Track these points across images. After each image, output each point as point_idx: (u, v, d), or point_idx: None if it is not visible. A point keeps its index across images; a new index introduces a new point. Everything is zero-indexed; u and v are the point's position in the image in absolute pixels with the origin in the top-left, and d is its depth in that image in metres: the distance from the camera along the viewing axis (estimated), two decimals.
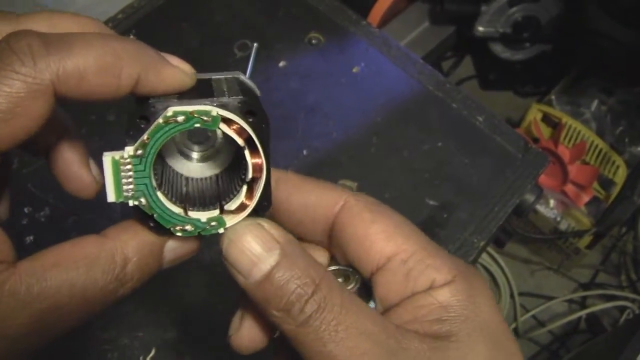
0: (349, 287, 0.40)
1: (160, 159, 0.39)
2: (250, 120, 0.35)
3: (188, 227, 0.36)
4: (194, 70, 0.38)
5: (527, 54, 1.71)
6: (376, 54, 0.96)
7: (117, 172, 0.35)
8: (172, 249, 0.38)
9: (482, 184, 0.85)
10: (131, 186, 0.36)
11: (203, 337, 0.76)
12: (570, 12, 1.62)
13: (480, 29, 1.65)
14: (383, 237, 0.39)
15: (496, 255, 1.59)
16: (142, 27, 0.98)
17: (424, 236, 0.39)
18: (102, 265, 0.34)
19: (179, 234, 0.36)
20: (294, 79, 0.95)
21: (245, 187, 0.36)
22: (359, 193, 0.41)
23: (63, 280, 0.33)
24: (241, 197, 0.37)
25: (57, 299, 0.33)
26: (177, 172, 0.40)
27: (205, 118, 0.34)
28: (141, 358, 0.74)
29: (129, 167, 0.35)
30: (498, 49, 1.71)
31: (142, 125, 0.35)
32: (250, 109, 0.35)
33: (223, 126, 0.35)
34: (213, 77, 0.38)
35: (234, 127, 0.35)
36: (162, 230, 0.37)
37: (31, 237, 0.79)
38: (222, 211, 0.37)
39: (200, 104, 0.35)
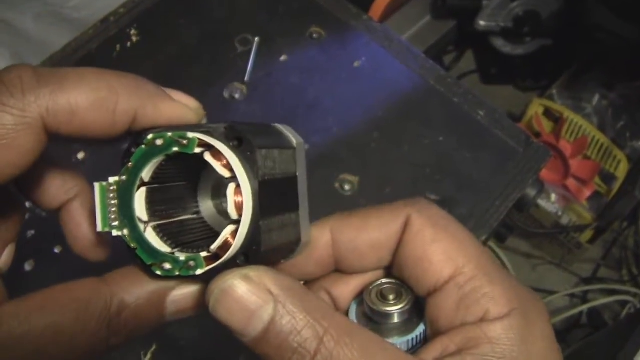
0: (400, 306, 0.37)
1: (194, 202, 0.38)
2: (234, 146, 0.32)
3: (166, 265, 0.33)
4: (200, 105, 0.36)
5: (529, 49, 1.70)
6: (377, 49, 0.95)
7: (104, 200, 0.34)
8: (174, 300, 0.35)
9: (484, 178, 0.85)
10: (114, 215, 0.34)
11: (204, 332, 0.76)
12: (571, 7, 1.62)
13: (482, 23, 1.65)
14: (443, 259, 0.35)
15: (497, 250, 1.59)
16: (143, 21, 0.98)
17: (487, 257, 0.36)
18: (93, 311, 0.32)
19: (158, 272, 0.34)
20: (295, 73, 0.95)
21: (230, 227, 0.33)
22: (422, 203, 0.38)
23: (47, 325, 0.31)
24: (225, 237, 0.33)
25: (41, 344, 0.31)
26: (202, 219, 0.39)
27: (182, 141, 0.32)
28: (142, 354, 0.74)
29: (112, 195, 0.34)
30: (499, 43, 1.70)
31: (133, 151, 0.34)
32: (237, 135, 0.32)
33: (207, 156, 0.32)
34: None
35: (222, 159, 0.32)
36: (148, 268, 0.34)
37: (32, 232, 0.79)
38: (208, 252, 0.33)
39: (183, 129, 0.33)
